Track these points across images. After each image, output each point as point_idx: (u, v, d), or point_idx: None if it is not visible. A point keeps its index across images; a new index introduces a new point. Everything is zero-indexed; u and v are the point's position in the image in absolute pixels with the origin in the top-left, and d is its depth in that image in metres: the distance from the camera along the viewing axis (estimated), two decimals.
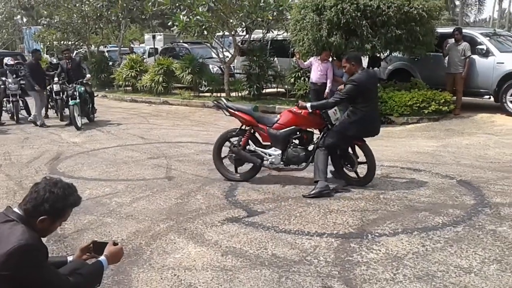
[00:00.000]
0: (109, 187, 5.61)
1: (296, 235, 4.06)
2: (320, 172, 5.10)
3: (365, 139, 5.32)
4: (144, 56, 19.29)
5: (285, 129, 5.41)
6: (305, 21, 10.19)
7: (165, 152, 7.49)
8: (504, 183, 5.29)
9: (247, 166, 5.77)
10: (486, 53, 9.93)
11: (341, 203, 4.83)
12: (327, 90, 9.31)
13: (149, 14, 16.83)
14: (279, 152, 5.45)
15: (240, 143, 5.66)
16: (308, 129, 5.51)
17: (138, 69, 15.84)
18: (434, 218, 4.32)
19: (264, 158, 5.55)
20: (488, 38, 10.34)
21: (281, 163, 5.47)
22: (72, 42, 19.43)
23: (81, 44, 19.73)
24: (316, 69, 9.61)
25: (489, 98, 10.37)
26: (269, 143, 5.56)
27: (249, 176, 5.72)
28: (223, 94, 13.66)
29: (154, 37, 20.67)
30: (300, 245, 3.86)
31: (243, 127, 5.71)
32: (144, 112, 12.47)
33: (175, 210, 4.78)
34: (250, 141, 5.65)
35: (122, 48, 20.15)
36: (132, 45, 24.78)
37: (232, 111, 5.71)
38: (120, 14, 17.81)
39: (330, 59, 10.01)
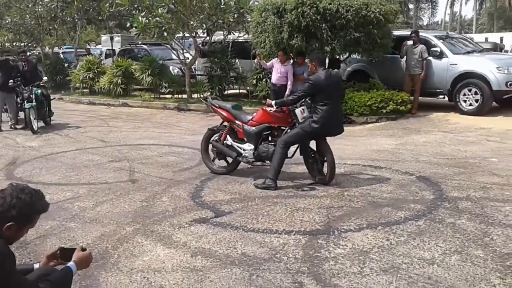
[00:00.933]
0: (70, 192, 5.45)
1: (265, 233, 4.09)
2: (272, 169, 5.37)
3: (327, 137, 5.46)
4: (101, 58, 18.86)
5: (257, 126, 5.65)
6: (266, 23, 10.29)
7: (127, 154, 7.35)
8: (461, 178, 5.53)
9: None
10: (440, 55, 10.35)
11: (307, 201, 4.90)
12: (287, 92, 9.43)
13: (106, 15, 16.53)
14: (252, 147, 5.70)
15: (220, 137, 6.00)
16: (279, 127, 5.65)
17: (96, 71, 15.47)
18: (397, 213, 4.46)
19: (241, 153, 5.82)
20: (441, 41, 10.79)
21: (253, 158, 5.70)
22: (25, 44, 18.74)
23: (34, 45, 19.07)
24: (276, 70, 9.75)
25: (444, 97, 10.80)
26: (245, 139, 5.81)
27: (230, 169, 6.05)
28: (185, 96, 13.56)
29: (111, 38, 20.23)
30: (269, 243, 3.89)
31: (224, 123, 6.05)
32: (103, 115, 12.19)
33: (140, 213, 4.70)
34: (228, 136, 5.94)
35: (78, 50, 19.61)
36: (88, 47, 24.17)
37: (215, 107, 6.13)
38: (75, 15, 17.39)
39: (291, 61, 10.16)
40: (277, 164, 5.34)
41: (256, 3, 14.26)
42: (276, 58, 9.94)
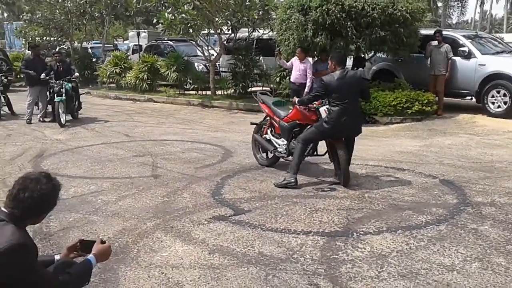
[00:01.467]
0: (94, 185, 5.58)
1: (283, 233, 4.10)
2: (293, 165, 5.45)
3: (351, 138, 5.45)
4: (128, 53, 19.13)
5: (290, 123, 5.84)
6: (290, 21, 10.24)
7: (151, 150, 7.46)
8: (485, 183, 5.41)
9: None
10: (468, 55, 10.11)
11: (327, 202, 4.89)
12: (306, 89, 9.43)
13: (133, 11, 16.75)
14: (285, 142, 5.89)
15: (262, 131, 6.38)
16: (307, 124, 5.72)
17: (123, 66, 15.72)
18: (418, 217, 4.41)
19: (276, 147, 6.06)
20: (470, 40, 10.54)
21: (285, 152, 5.86)
22: (55, 38, 19.16)
23: (63, 40, 19.47)
24: (295, 69, 9.68)
25: (471, 99, 10.57)
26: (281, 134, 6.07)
27: (270, 162, 6.34)
28: (209, 92, 13.65)
29: (138, 34, 20.47)
30: (286, 243, 3.90)
31: (267, 118, 6.37)
32: (128, 110, 12.38)
33: (161, 208, 4.77)
34: (268, 131, 6.24)
35: (106, 45, 19.94)
36: (116, 42, 24.54)
37: (260, 102, 6.53)
38: (104, 11, 17.64)
39: (310, 58, 10.11)
40: (296, 160, 5.41)
41: (281, 0, 14.23)
42: (295, 57, 9.88)
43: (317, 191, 5.28)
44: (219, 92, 13.55)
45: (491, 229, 4.07)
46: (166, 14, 12.39)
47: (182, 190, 5.35)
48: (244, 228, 4.22)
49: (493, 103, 9.73)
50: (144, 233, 4.14)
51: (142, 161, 6.74)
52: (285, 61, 10.21)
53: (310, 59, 10.08)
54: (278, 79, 12.17)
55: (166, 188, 5.45)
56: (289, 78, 11.27)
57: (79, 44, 19.72)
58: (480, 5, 40.69)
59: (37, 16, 19.11)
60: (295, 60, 9.77)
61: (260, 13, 12.72)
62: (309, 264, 3.52)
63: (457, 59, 10.21)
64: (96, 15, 18.17)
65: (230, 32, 14.25)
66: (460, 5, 36.94)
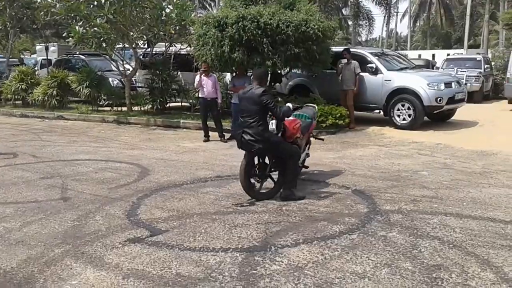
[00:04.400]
0: None
1: (201, 252, 4.02)
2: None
3: None
4: (36, 68, 18.05)
5: None
6: (207, 36, 10.29)
7: (60, 171, 7.03)
8: (393, 191, 5.74)
9: None
10: (376, 71, 10.79)
11: (246, 217, 4.89)
12: (219, 101, 9.84)
13: (41, 24, 15.86)
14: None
15: None
16: None
17: (29, 82, 14.81)
18: (332, 227, 4.55)
19: None
20: (377, 57, 11.26)
21: None
22: None
23: None
24: (206, 84, 9.68)
25: (379, 112, 11.24)
26: None
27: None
28: (124, 109, 13.23)
29: (47, 48, 19.37)
30: (205, 262, 3.83)
31: None
32: (36, 128, 11.62)
33: (71, 233, 4.49)
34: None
35: (10, 59, 18.64)
36: (22, 56, 23.05)
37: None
38: (8, 23, 16.52)
39: (228, 74, 10.26)
40: None
41: (200, 15, 14.22)
42: (199, 74, 9.85)
43: (236, 206, 5.28)
44: (135, 108, 13.18)
45: (399, 236, 4.31)
46: (77, 27, 11.88)
47: (95, 213, 5.08)
48: (161, 249, 4.08)
49: (399, 115, 10.44)
50: (52, 261, 3.86)
51: (50, 183, 6.33)
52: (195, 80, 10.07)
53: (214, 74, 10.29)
54: (197, 94, 12.09)
55: (77, 211, 5.14)
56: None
57: None
58: (386, 24, 43.83)
59: None
60: (202, 76, 9.73)
61: (177, 28, 12.64)
62: (227, 281, 3.48)
63: (366, 75, 10.86)
64: (0, 27, 16.97)
65: (146, 46, 13.99)
66: (368, 24, 39.40)
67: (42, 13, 13.01)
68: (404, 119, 10.41)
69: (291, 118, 5.91)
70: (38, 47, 25.44)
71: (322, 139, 7.51)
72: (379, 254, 3.89)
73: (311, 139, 6.76)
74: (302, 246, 4.11)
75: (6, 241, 4.30)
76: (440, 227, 4.49)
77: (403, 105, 10.41)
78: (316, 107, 6.91)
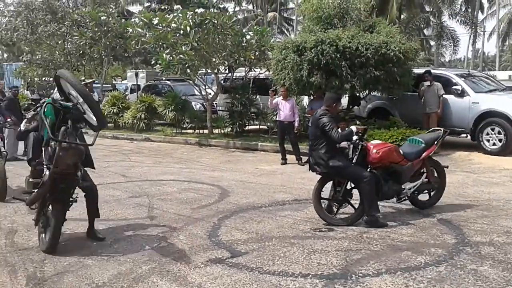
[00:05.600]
0: None
1: (281, 276, 4.03)
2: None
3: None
4: (127, 93, 19.35)
5: None
6: (286, 61, 10.47)
7: (147, 190, 7.43)
8: (483, 222, 5.39)
9: None
10: (462, 93, 10.28)
11: (325, 243, 4.84)
12: (296, 125, 9.84)
13: (132, 52, 17.05)
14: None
15: None
16: None
17: (120, 106, 15.90)
18: (417, 258, 4.36)
19: None
20: (463, 79, 10.74)
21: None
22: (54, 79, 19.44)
23: None
24: (283, 108, 9.80)
25: (466, 136, 10.65)
26: None
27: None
28: (206, 131, 13.74)
29: (136, 74, 20.80)
30: (284, 286, 3.83)
31: None
32: (125, 149, 12.41)
33: (157, 251, 4.71)
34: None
35: (104, 85, 20.21)
36: (114, 82, 24.85)
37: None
38: (103, 52, 17.96)
39: (306, 97, 10.29)
40: None
41: (278, 40, 14.51)
42: (278, 97, 9.98)
43: (315, 231, 5.24)
44: (216, 131, 13.65)
45: (491, 270, 4.02)
46: (164, 55, 12.64)
47: (179, 232, 5.29)
48: (241, 271, 4.15)
49: (488, 140, 9.82)
50: (140, 277, 4.07)
51: (138, 202, 6.70)
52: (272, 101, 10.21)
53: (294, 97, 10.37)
54: (274, 117, 12.28)
55: (162, 229, 5.39)
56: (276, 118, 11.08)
57: None
58: (472, 44, 41.67)
59: (37, 57, 19.46)
60: (280, 100, 9.86)
61: (257, 53, 13.00)
62: None
63: (451, 97, 10.38)
64: (95, 56, 18.50)
65: (227, 71, 14.51)
66: (452, 43, 37.76)
67: (133, 42, 14.00)
68: (494, 144, 9.76)
69: (378, 141, 5.82)
70: (128, 73, 27.32)
71: (446, 167, 6.37)
72: None
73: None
74: (385, 276, 3.97)
75: (99, 256, 4.60)
76: None
77: (492, 129, 9.77)
78: (442, 130, 6.22)
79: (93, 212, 5.13)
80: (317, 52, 9.92)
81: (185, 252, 4.66)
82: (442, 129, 6.23)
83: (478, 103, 10.08)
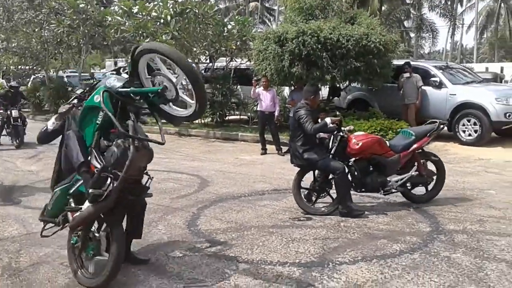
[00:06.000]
0: None
1: (259, 264, 4.07)
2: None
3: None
4: None
5: None
6: (267, 51, 10.47)
7: None
8: (458, 211, 5.51)
9: None
10: (440, 85, 10.45)
11: (303, 232, 4.89)
12: (277, 114, 9.89)
13: (111, 41, 16.76)
14: None
15: None
16: None
17: None
18: (392, 246, 4.44)
19: None
20: (441, 71, 10.91)
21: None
22: (30, 67, 19.01)
23: (39, 69, 19.32)
24: (264, 98, 9.81)
25: (443, 127, 10.80)
26: None
27: None
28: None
29: (115, 63, 20.53)
30: (262, 275, 3.87)
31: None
32: None
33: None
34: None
35: (82, 74, 19.87)
36: (93, 71, 24.47)
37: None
38: (81, 40, 17.63)
39: (287, 88, 10.33)
40: None
41: (260, 30, 14.48)
42: (259, 87, 9.99)
43: (294, 220, 5.29)
44: (196, 121, 13.56)
45: (463, 257, 4.13)
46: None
47: (157, 222, 5.28)
48: (219, 260, 4.17)
49: (464, 131, 10.03)
50: None
51: None
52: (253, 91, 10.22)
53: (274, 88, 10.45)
54: (255, 107, 12.28)
55: None
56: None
57: (54, 73, 19.56)
58: (451, 36, 42.22)
59: (13, 45, 18.99)
60: (261, 90, 9.88)
61: (238, 43, 12.95)
62: None
63: (429, 89, 10.55)
64: (73, 44, 18.14)
65: (208, 61, 14.43)
66: (431, 36, 38.21)
67: (113, 30, 13.78)
68: (469, 135, 9.98)
69: (361, 133, 5.86)
70: (107, 62, 26.95)
71: (436, 159, 6.09)
72: (442, 276, 3.75)
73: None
74: (361, 264, 4.04)
75: None
76: (508, 249, 4.26)
77: (469, 120, 9.98)
78: (438, 122, 6.11)
79: (136, 231, 4.06)
80: (299, 43, 9.94)
81: (163, 241, 4.66)
82: (439, 121, 6.13)
83: (455, 94, 10.27)
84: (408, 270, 3.88)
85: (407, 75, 10.59)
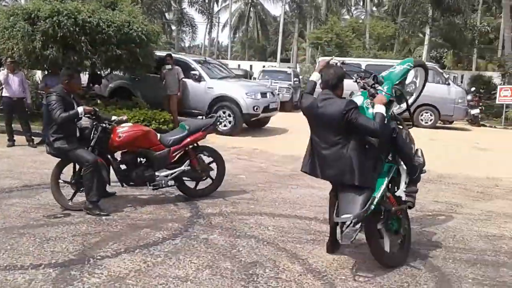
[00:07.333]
0: None
1: (7, 270, 3.57)
2: None
3: None
4: None
5: None
6: (14, 29, 9.23)
7: None
8: (215, 195, 5.94)
9: None
10: (199, 78, 11.11)
11: (60, 229, 4.52)
12: (29, 101, 9.00)
13: None
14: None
15: None
16: None
17: None
18: (155, 234, 4.51)
19: None
20: (200, 65, 11.60)
21: None
22: None
23: None
24: (12, 82, 8.68)
25: (202, 118, 11.53)
26: None
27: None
28: None
29: None
30: (12, 281, 3.41)
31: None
32: None
33: None
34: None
35: None
36: None
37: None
38: None
39: (40, 71, 9.38)
40: None
41: (5, 4, 12.67)
42: (6, 70, 8.86)
43: (49, 218, 4.83)
44: None
45: (219, 237, 4.50)
46: None
47: None
48: None
49: (220, 122, 10.91)
50: None
51: None
52: None
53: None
54: (0, 93, 10.71)
55: None
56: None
57: None
58: (209, 33, 45.29)
59: None
60: (5, 74, 8.71)
61: None
62: None
63: (190, 81, 11.10)
64: None
65: None
66: (191, 30, 40.21)
67: None
68: (225, 126, 10.93)
69: (129, 124, 5.55)
70: None
71: (215, 154, 6.20)
72: (201, 257, 4.01)
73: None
74: (124, 255, 3.97)
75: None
76: (256, 227, 4.83)
77: (224, 112, 10.92)
78: (216, 116, 6.25)
79: None
80: (53, 23, 9.08)
81: None
82: (216, 115, 6.33)
83: (212, 88, 11.08)
84: (170, 256, 4.00)
85: (169, 66, 10.89)
